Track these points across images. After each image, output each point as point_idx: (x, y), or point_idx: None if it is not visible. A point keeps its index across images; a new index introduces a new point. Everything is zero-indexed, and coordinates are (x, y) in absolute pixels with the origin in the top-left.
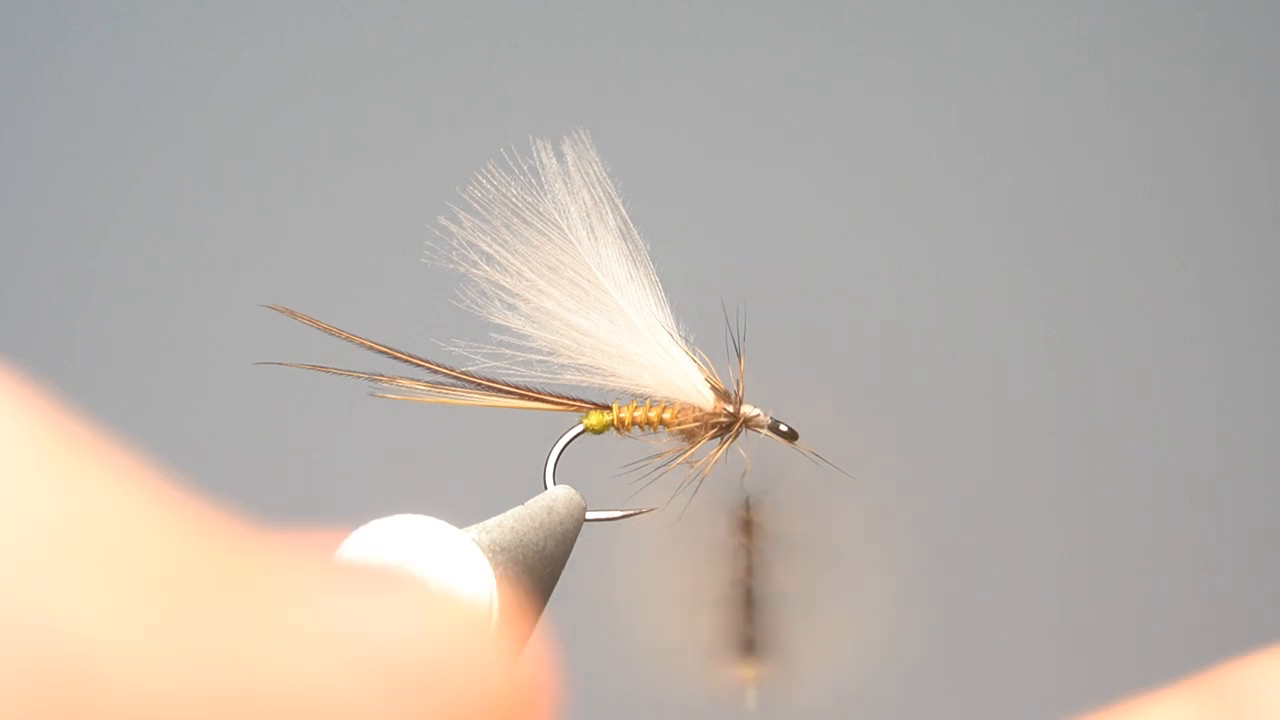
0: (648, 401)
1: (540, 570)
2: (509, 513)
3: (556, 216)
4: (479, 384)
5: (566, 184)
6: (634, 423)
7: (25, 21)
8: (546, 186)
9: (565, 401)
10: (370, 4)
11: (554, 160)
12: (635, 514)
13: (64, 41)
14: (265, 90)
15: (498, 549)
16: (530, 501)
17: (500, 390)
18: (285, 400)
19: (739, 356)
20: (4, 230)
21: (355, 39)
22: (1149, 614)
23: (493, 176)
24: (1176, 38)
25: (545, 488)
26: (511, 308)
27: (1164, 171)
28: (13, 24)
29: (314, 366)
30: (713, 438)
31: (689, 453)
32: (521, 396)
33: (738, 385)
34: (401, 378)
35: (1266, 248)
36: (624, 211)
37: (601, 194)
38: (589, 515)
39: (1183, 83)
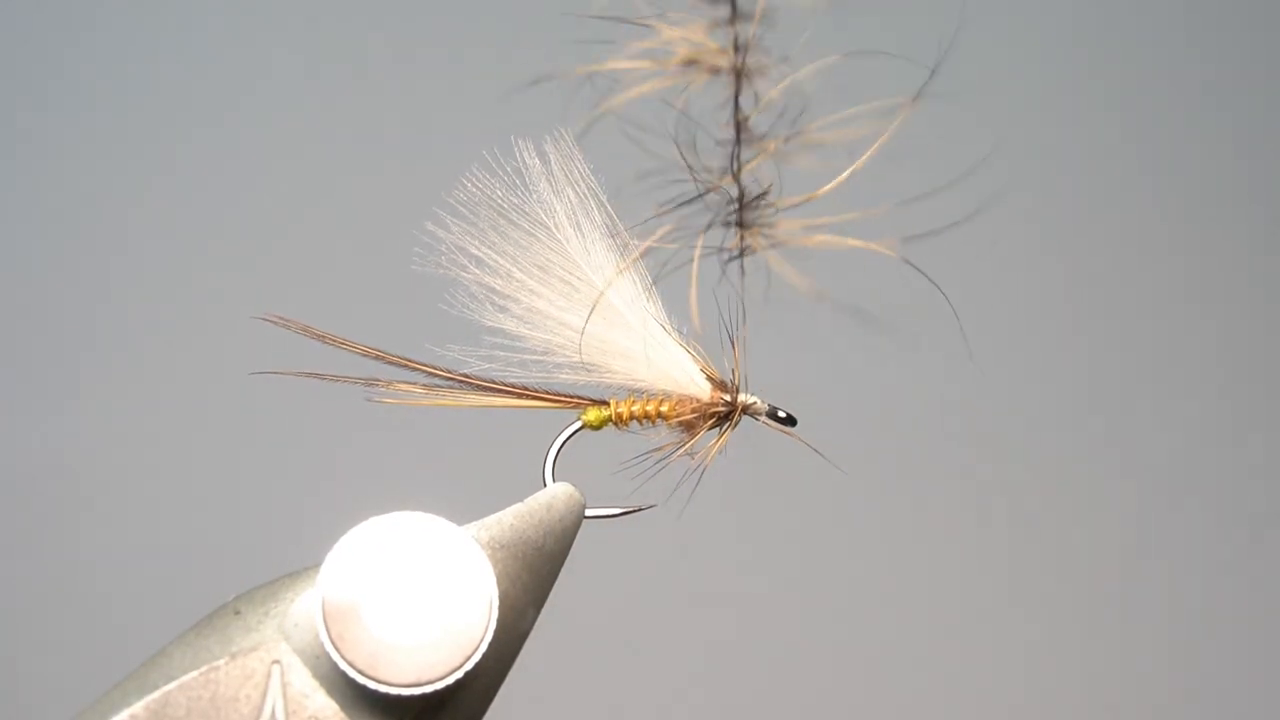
0: (645, 395)
1: (540, 567)
2: (508, 510)
3: (543, 216)
4: (475, 385)
5: (551, 183)
6: (632, 417)
7: (24, 38)
8: (531, 187)
9: (562, 399)
10: (353, 18)
11: (536, 161)
12: (635, 511)
13: (64, 55)
14: (252, 106)
15: (497, 546)
16: (530, 498)
17: (497, 390)
18: (286, 403)
19: (734, 345)
20: (2, 244)
21: (339, 54)
22: (1143, 613)
23: (479, 180)
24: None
25: (545, 485)
26: (503, 309)
27: (1163, 179)
28: (12, 42)
29: (310, 374)
30: (711, 427)
31: (689, 444)
32: (518, 395)
33: (734, 374)
34: (398, 381)
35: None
36: (609, 207)
37: (585, 191)
38: (588, 513)
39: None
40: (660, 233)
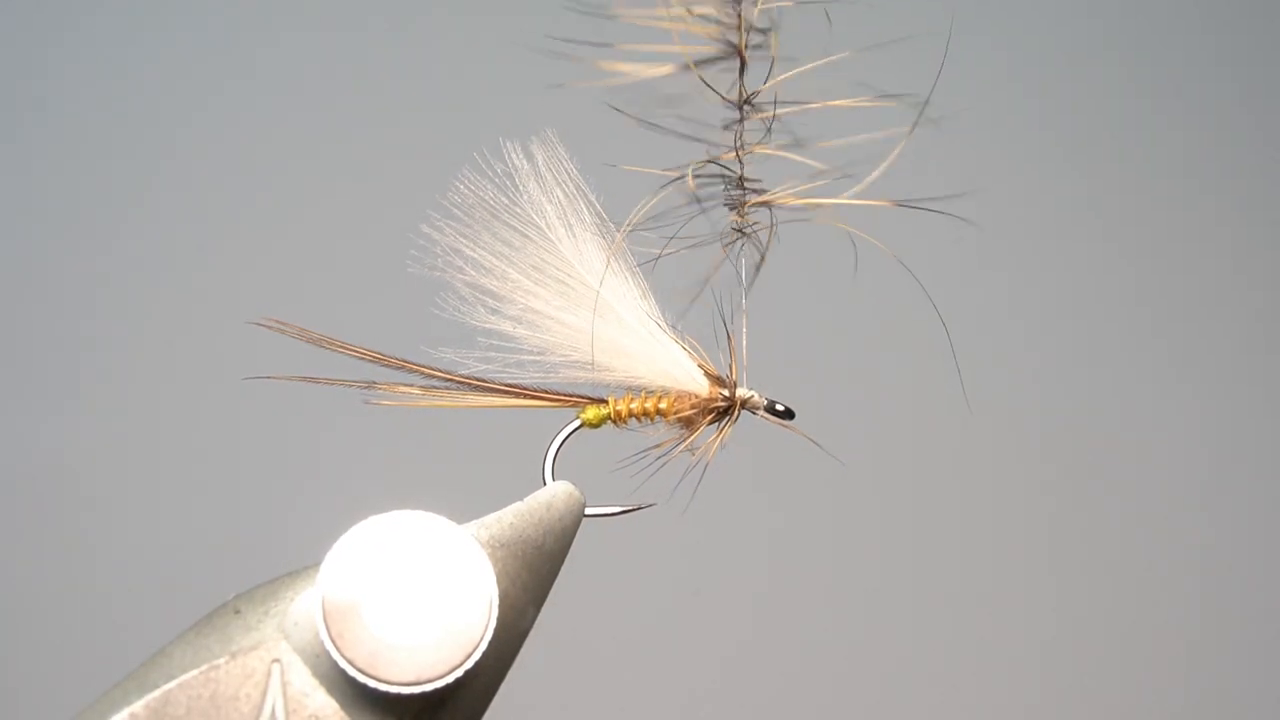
0: (643, 392)
1: (539, 566)
2: (508, 509)
3: (535, 216)
4: (474, 385)
5: (540, 184)
6: (631, 414)
7: (19, 36)
8: (522, 188)
9: (560, 398)
10: (348, 26)
11: (524, 162)
12: (634, 509)
13: (60, 54)
14: (248, 108)
15: (497, 544)
16: (529, 497)
17: (495, 390)
18: (285, 403)
19: (729, 339)
20: (1, 245)
21: (334, 60)
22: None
23: (472, 182)
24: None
25: (544, 483)
26: (496, 311)
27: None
28: (8, 40)
29: (303, 378)
30: (710, 423)
31: (689, 440)
32: (517, 395)
33: (731, 368)
34: (396, 384)
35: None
36: (598, 206)
37: (574, 190)
38: (588, 511)
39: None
40: (658, 196)
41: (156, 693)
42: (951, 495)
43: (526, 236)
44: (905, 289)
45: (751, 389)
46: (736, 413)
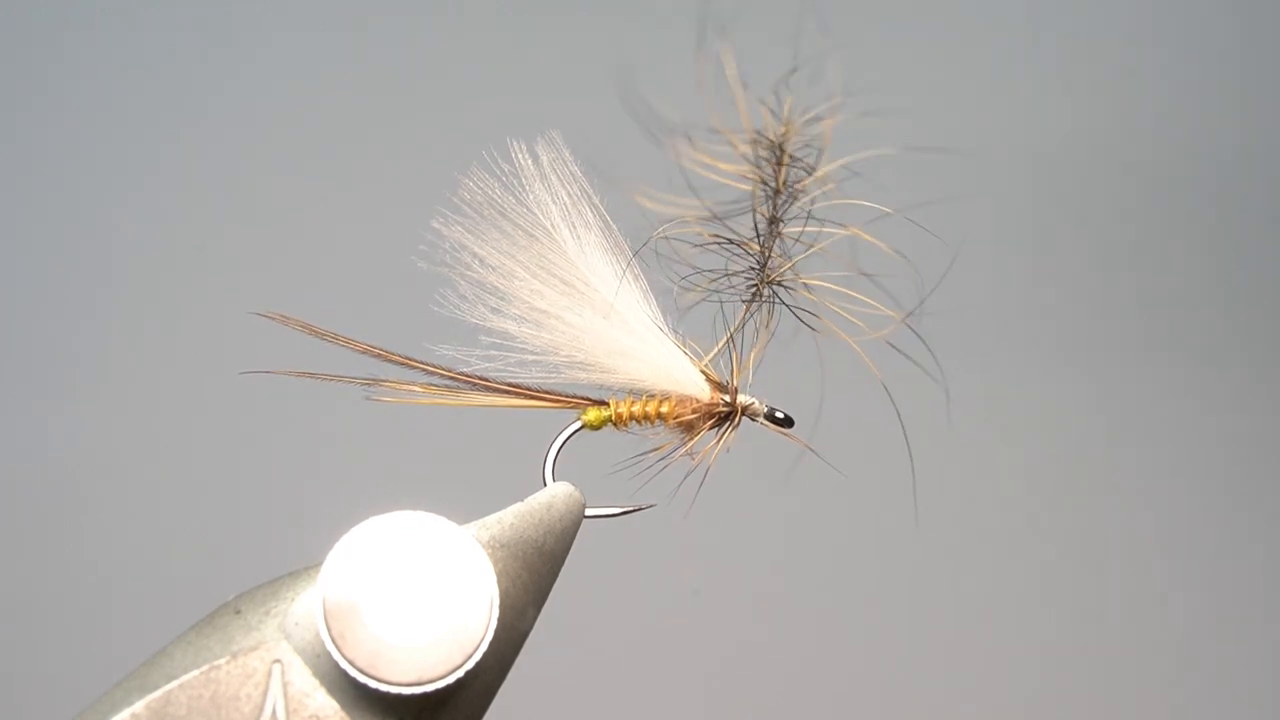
0: (644, 395)
1: (540, 566)
2: (509, 509)
3: (540, 216)
4: (475, 384)
5: (545, 185)
6: (632, 417)
7: (26, 31)
8: (527, 188)
9: (562, 399)
10: (356, 20)
11: (529, 163)
12: (635, 510)
13: (62, 52)
14: (250, 103)
15: (497, 545)
16: (530, 498)
17: (497, 390)
18: (286, 402)
19: (733, 346)
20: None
21: (342, 53)
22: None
23: (479, 180)
24: None
25: (545, 484)
26: (499, 310)
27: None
28: (14, 35)
29: (303, 373)
30: (711, 428)
31: (689, 445)
32: (518, 395)
33: (733, 375)
34: (397, 381)
35: None
36: (602, 208)
37: (578, 192)
38: (588, 512)
39: None
40: (660, 231)
41: (157, 693)
42: (952, 499)
43: (532, 236)
44: (905, 290)
45: (752, 396)
46: (737, 419)
